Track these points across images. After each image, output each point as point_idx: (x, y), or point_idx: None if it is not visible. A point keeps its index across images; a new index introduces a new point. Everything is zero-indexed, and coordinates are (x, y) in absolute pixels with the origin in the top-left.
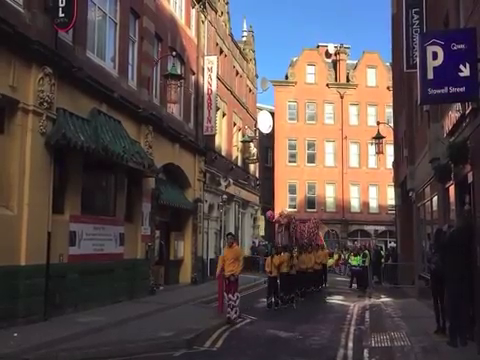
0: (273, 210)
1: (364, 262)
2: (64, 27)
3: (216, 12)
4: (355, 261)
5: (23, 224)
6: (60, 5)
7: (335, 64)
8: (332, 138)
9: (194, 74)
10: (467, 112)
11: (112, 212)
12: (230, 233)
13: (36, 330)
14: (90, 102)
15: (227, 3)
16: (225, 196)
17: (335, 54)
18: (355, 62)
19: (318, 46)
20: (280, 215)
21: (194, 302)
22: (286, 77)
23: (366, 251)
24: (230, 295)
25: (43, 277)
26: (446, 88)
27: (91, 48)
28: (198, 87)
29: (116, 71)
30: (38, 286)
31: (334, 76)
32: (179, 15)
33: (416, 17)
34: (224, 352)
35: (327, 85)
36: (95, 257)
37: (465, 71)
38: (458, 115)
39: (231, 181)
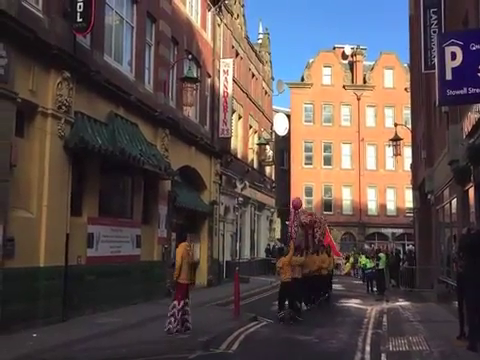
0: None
1: (378, 265)
2: (82, 32)
3: (232, 15)
4: (369, 264)
5: (42, 226)
6: (78, 10)
7: (352, 65)
8: (349, 140)
9: (210, 77)
10: None
11: (129, 214)
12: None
13: (54, 331)
14: (107, 105)
15: (243, 6)
16: (241, 198)
17: (351, 55)
18: (372, 63)
19: (334, 47)
20: (302, 211)
21: (210, 304)
22: (302, 79)
23: (381, 254)
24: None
25: (61, 278)
26: (465, 89)
27: (108, 52)
28: (214, 90)
29: (133, 75)
30: (56, 287)
31: (351, 78)
32: (195, 18)
33: (434, 17)
34: (240, 355)
35: (344, 87)
36: (112, 259)
37: None
38: (478, 116)
39: (247, 183)
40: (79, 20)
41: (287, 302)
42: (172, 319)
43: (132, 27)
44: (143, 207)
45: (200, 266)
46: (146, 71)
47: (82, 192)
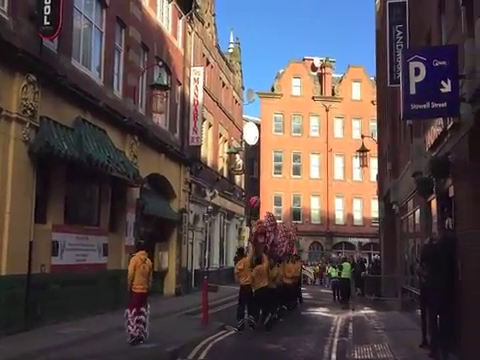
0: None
1: (340, 274)
2: (49, 35)
3: (203, 23)
4: (333, 273)
5: (4, 233)
6: (45, 13)
7: (321, 77)
8: (317, 150)
9: (180, 85)
10: (448, 127)
11: (96, 222)
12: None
13: (16, 341)
14: (74, 111)
15: (214, 15)
16: (210, 207)
17: (321, 67)
18: (340, 76)
19: (304, 59)
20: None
21: (178, 313)
22: (272, 89)
23: (345, 263)
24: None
25: (24, 287)
26: (428, 103)
27: (76, 57)
28: (184, 98)
29: (101, 80)
30: (18, 296)
31: (320, 89)
32: (166, 26)
33: (400, 33)
34: None
35: (313, 98)
36: (78, 267)
37: (446, 87)
38: (440, 130)
39: (216, 192)
40: (46, 23)
41: (247, 308)
42: (130, 328)
43: (101, 32)
44: (110, 215)
45: (168, 275)
46: (115, 77)
47: (47, 199)
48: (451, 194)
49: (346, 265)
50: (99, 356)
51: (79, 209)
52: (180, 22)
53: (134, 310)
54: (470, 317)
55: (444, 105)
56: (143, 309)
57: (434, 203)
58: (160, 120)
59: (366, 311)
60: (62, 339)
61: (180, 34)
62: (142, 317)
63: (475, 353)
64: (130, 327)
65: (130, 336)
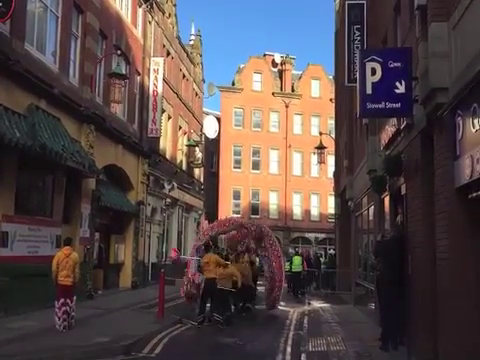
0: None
1: (291, 268)
2: (1, 17)
3: (163, 13)
4: (287, 267)
5: None
6: None
7: (281, 73)
8: (276, 146)
9: (139, 75)
10: (402, 127)
11: (49, 213)
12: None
13: None
14: (28, 97)
15: (175, 5)
16: (169, 200)
17: (281, 64)
18: (300, 73)
19: (265, 55)
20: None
21: (134, 307)
22: (233, 83)
23: (295, 256)
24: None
25: None
26: (383, 103)
27: (30, 41)
28: (143, 88)
29: (57, 66)
30: None
31: (280, 85)
32: (125, 13)
33: (357, 34)
34: (163, 358)
35: (273, 94)
36: (29, 259)
37: (401, 88)
38: (394, 129)
39: (175, 185)
40: None
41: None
42: (56, 319)
43: (57, 17)
44: (64, 206)
45: (124, 268)
46: (71, 64)
47: None
48: (403, 192)
49: (296, 258)
50: (49, 351)
51: (31, 199)
52: (140, 11)
53: (61, 301)
54: (418, 310)
55: (398, 105)
56: (68, 301)
57: (387, 200)
58: (118, 110)
59: (321, 305)
60: (11, 333)
61: (140, 23)
62: (67, 308)
63: (423, 344)
64: (57, 318)
65: (58, 325)
